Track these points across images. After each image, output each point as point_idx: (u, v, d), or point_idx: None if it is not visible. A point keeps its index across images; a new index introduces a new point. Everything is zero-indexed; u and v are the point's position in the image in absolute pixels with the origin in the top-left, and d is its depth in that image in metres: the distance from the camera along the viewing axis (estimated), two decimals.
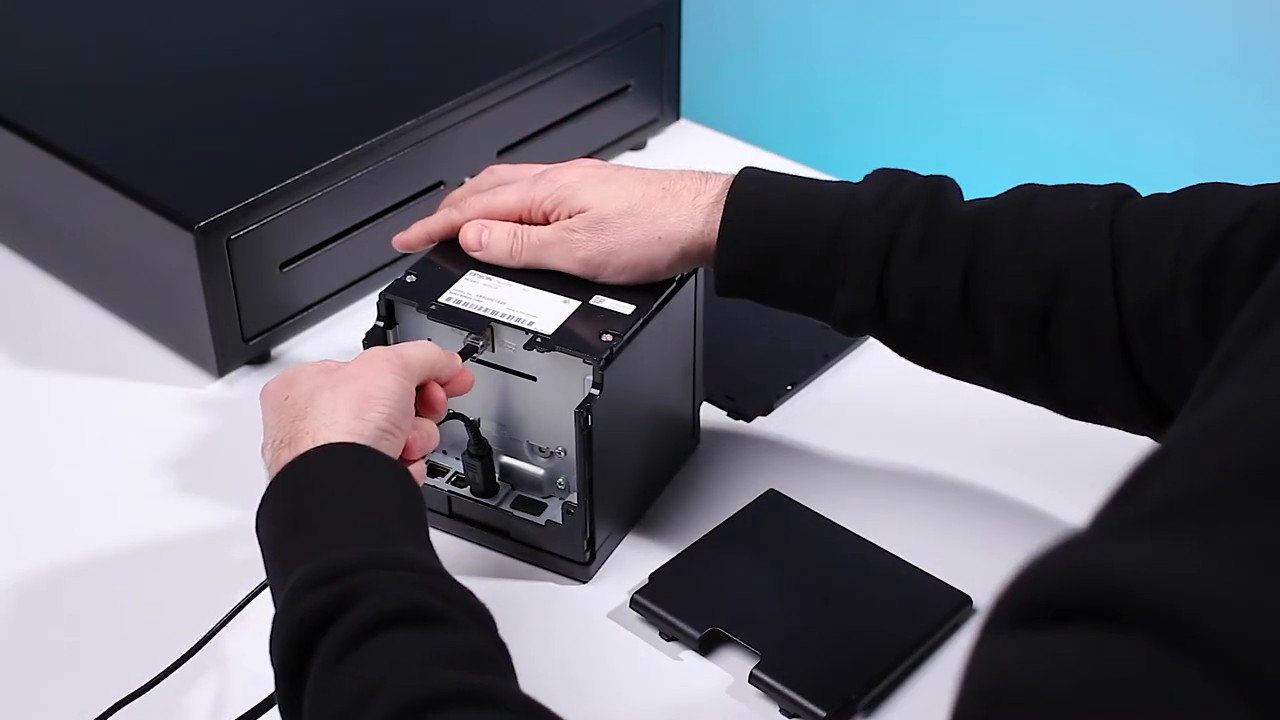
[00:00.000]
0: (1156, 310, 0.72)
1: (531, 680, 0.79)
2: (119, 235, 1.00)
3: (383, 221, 1.03)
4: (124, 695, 0.75)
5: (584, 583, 0.84)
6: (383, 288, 0.84)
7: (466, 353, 0.80)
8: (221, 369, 0.99)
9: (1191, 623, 0.39)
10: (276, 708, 0.64)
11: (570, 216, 0.82)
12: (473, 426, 0.83)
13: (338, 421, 0.70)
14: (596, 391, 0.78)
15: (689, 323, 0.87)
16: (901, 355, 0.82)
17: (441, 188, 1.06)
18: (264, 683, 0.74)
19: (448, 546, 0.86)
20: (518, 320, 0.80)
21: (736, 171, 0.82)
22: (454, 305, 0.82)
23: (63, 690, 0.79)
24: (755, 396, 0.96)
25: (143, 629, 0.82)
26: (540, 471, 0.85)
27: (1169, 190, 0.77)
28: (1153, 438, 0.77)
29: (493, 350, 0.82)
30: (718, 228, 0.80)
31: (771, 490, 0.88)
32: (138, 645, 0.80)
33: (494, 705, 0.58)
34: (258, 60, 1.11)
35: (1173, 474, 0.45)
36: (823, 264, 0.79)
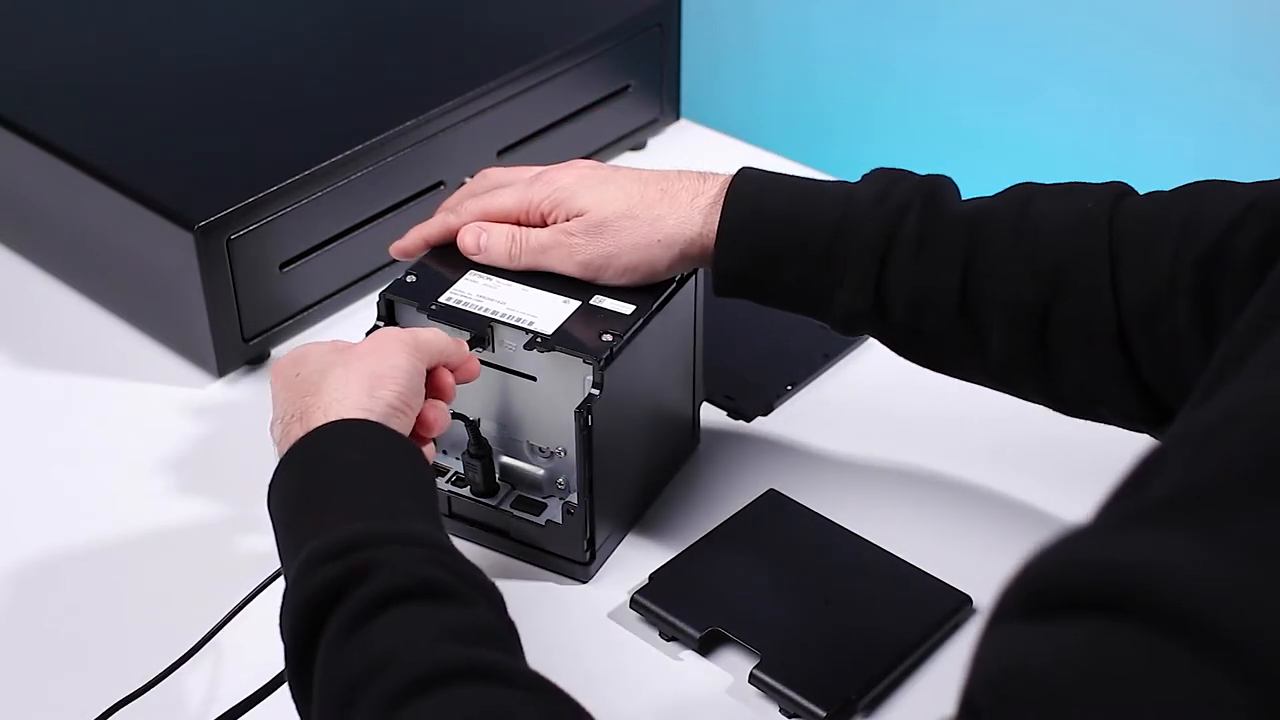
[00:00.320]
0: (1155, 308, 0.72)
1: None
2: (119, 235, 1.00)
3: (383, 221, 1.03)
4: (124, 695, 0.75)
5: (584, 583, 0.84)
6: (383, 288, 0.84)
7: (474, 343, 0.80)
8: (221, 369, 0.99)
9: (1195, 615, 0.39)
10: (286, 684, 0.63)
11: (568, 219, 0.82)
12: (473, 426, 0.83)
13: (349, 397, 0.70)
14: (596, 391, 0.78)
15: (689, 323, 0.87)
16: (901, 355, 0.82)
17: (441, 188, 1.06)
18: (262, 680, 0.74)
19: None
20: (518, 320, 0.80)
21: (734, 172, 0.82)
22: (454, 305, 0.82)
23: (63, 690, 0.79)
24: (755, 396, 0.96)
25: (143, 628, 0.82)
26: (540, 471, 0.85)
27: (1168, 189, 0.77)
28: (1152, 435, 0.77)
29: (493, 350, 0.82)
30: (716, 228, 0.80)
31: (771, 490, 0.88)
32: (138, 645, 0.80)
33: (503, 681, 0.58)
34: (258, 60, 1.11)
35: (1174, 471, 0.45)
36: (821, 264, 0.79)
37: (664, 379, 0.87)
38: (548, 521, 0.83)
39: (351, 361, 0.72)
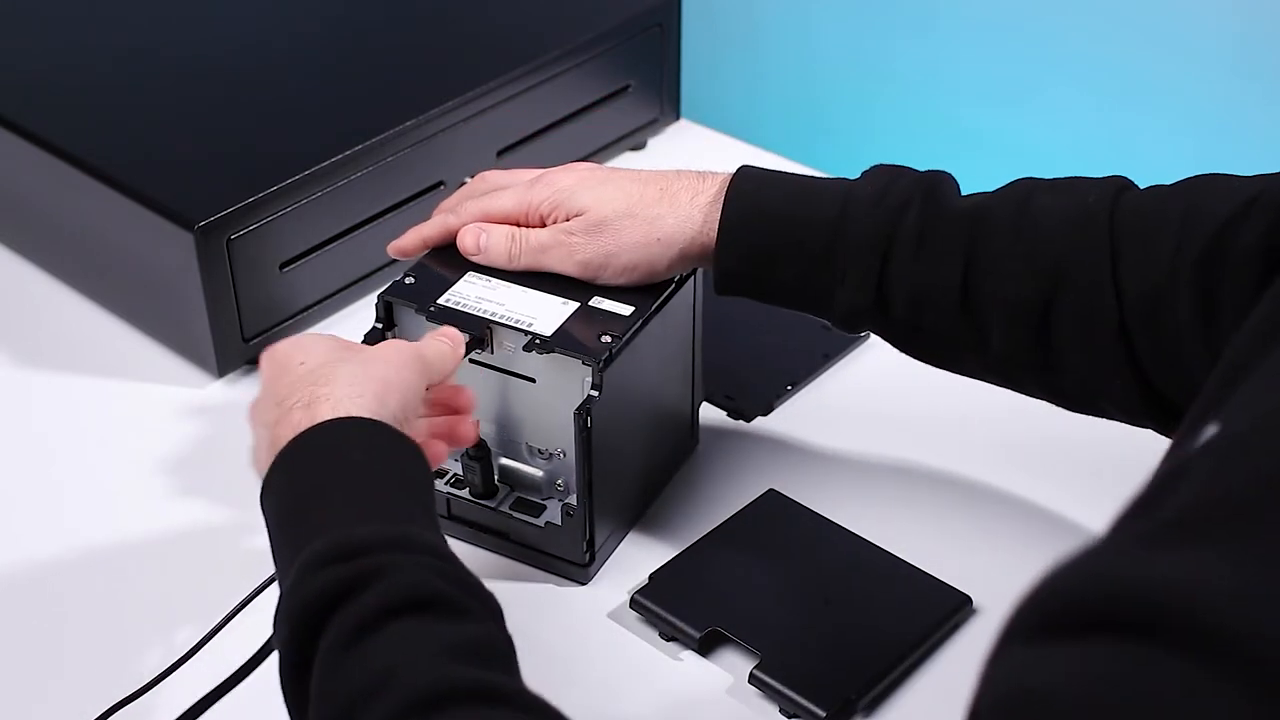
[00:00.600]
0: (1156, 303, 0.72)
1: (532, 680, 0.79)
2: (119, 235, 1.00)
3: (383, 221, 1.03)
4: (124, 695, 0.75)
5: (584, 584, 0.84)
6: (382, 289, 0.84)
7: (473, 344, 0.80)
8: (221, 369, 0.99)
9: (1232, 638, 0.37)
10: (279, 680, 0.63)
11: (568, 219, 0.82)
12: None
13: (363, 397, 0.69)
14: (596, 393, 0.78)
15: (688, 323, 0.87)
16: (903, 351, 0.82)
17: (441, 188, 1.06)
18: (263, 682, 0.74)
19: None
20: (516, 322, 0.80)
21: (734, 170, 0.82)
22: (453, 307, 0.82)
23: (63, 690, 0.79)
24: (755, 396, 0.96)
25: (143, 629, 0.82)
26: (539, 473, 0.85)
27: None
28: (1155, 429, 0.77)
29: (491, 352, 0.82)
30: (716, 227, 0.80)
31: (771, 490, 0.88)
32: (138, 645, 0.80)
33: (503, 703, 0.58)
34: (258, 60, 1.11)
35: (1197, 482, 0.43)
36: (821, 262, 0.79)
37: (663, 380, 0.87)
38: (547, 523, 0.83)
39: (367, 363, 0.72)
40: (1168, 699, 0.38)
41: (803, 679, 0.76)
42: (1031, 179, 0.79)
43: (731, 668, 0.79)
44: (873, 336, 0.99)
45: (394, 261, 1.04)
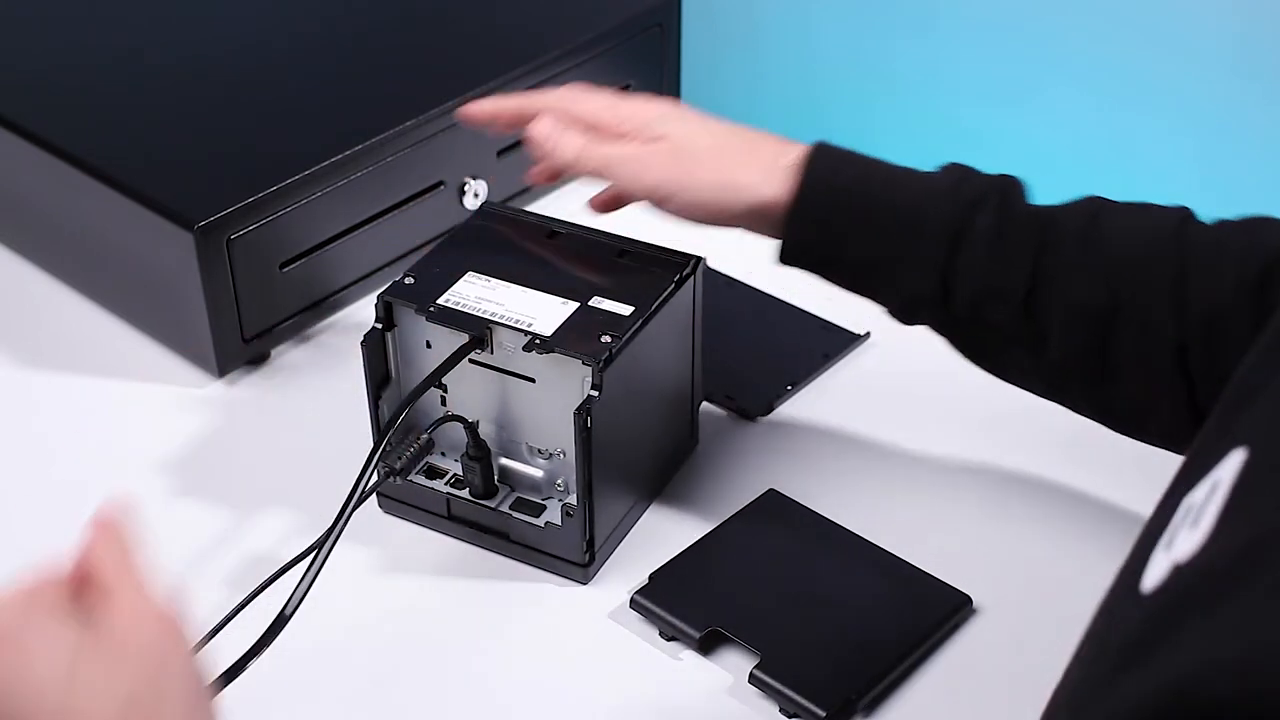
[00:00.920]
0: (1215, 323, 0.73)
1: (532, 681, 0.79)
2: (119, 235, 1.00)
3: (383, 221, 1.03)
4: None
5: (584, 584, 0.84)
6: (382, 289, 0.84)
7: (473, 344, 0.80)
8: (221, 369, 0.99)
9: None
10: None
11: (650, 142, 0.81)
12: (471, 428, 0.83)
13: None
14: (596, 393, 0.78)
15: (688, 323, 0.87)
16: (954, 346, 0.81)
17: (441, 188, 1.06)
18: (263, 682, 0.74)
19: (447, 549, 0.86)
20: (516, 322, 0.80)
21: (813, 143, 0.81)
22: (452, 307, 0.82)
23: None
24: (755, 396, 0.96)
25: None
26: (539, 473, 0.85)
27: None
28: None
29: (491, 352, 0.82)
30: (790, 194, 0.79)
31: (771, 490, 0.88)
32: None
33: None
34: (258, 60, 1.11)
35: None
36: (890, 245, 0.78)
37: (663, 380, 0.87)
38: (547, 523, 0.83)
39: (111, 670, 0.50)
40: None
41: (803, 679, 0.76)
42: (1100, 197, 0.79)
43: (731, 668, 0.79)
44: (873, 336, 0.99)
45: (394, 261, 1.05)
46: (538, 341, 0.79)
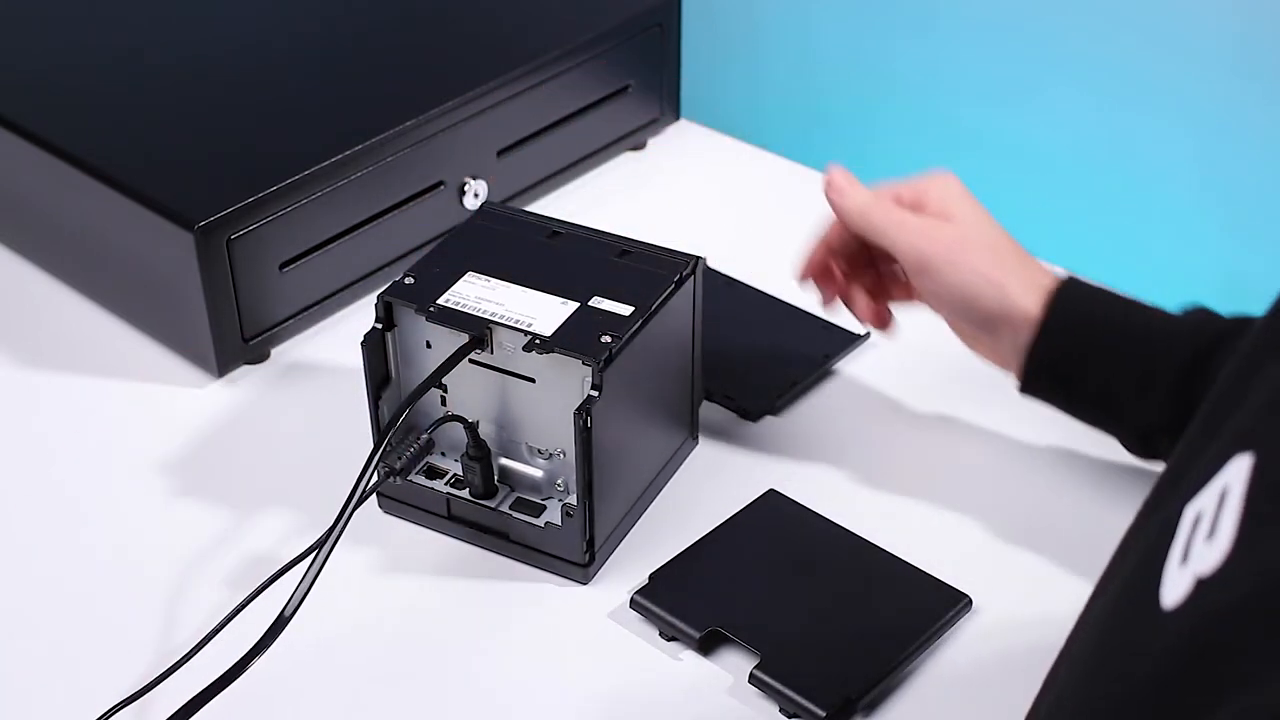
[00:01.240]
0: None
1: (532, 681, 0.79)
2: (119, 235, 1.00)
3: (383, 221, 1.03)
4: (124, 695, 0.75)
5: (584, 584, 0.84)
6: (382, 289, 0.84)
7: (473, 344, 0.80)
8: (221, 369, 0.99)
9: None
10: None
11: (938, 216, 0.84)
12: (471, 428, 0.83)
13: None
14: (596, 393, 0.78)
15: (688, 323, 0.87)
16: None
17: (441, 188, 1.06)
18: (263, 682, 0.74)
19: (447, 548, 0.86)
20: (516, 322, 0.80)
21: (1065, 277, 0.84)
22: (452, 307, 0.82)
23: (62, 690, 0.79)
24: (756, 396, 0.96)
25: (142, 629, 0.82)
26: (539, 473, 0.85)
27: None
28: None
29: (491, 352, 0.82)
30: (1043, 311, 0.82)
31: (771, 490, 0.88)
32: (138, 645, 0.80)
33: None
34: (258, 60, 1.11)
35: None
36: (1131, 375, 0.80)
37: (663, 379, 0.87)
38: (547, 523, 0.83)
39: None
40: None
41: (803, 679, 0.76)
42: None
43: (731, 668, 0.79)
44: (873, 336, 0.99)
45: (394, 261, 1.05)
46: (538, 341, 0.79)
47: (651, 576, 0.82)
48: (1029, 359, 0.83)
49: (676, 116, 1.25)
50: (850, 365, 1.00)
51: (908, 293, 0.90)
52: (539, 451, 0.85)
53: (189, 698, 0.72)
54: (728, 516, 0.86)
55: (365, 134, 1.01)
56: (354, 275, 1.04)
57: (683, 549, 0.84)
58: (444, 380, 0.84)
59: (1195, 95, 1.21)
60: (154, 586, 0.84)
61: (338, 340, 1.02)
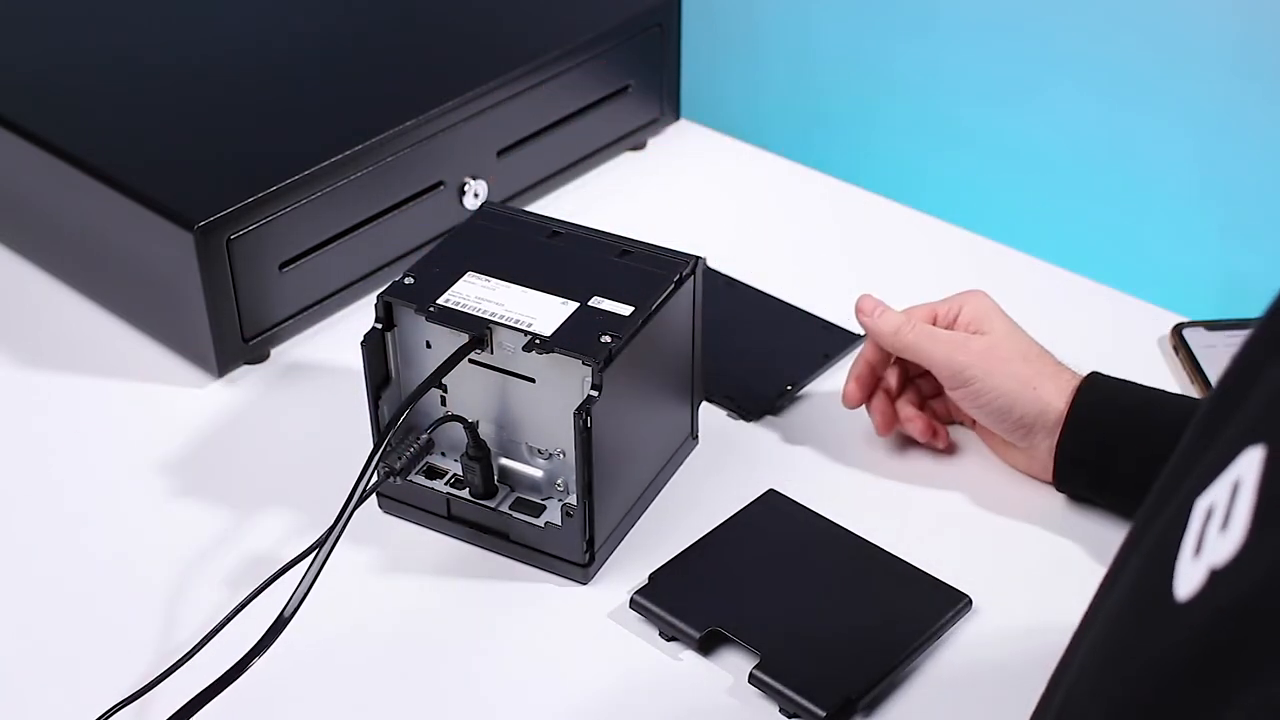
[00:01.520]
0: None
1: (532, 681, 0.79)
2: (119, 235, 1.00)
3: (383, 221, 1.03)
4: (124, 695, 0.75)
5: (584, 584, 0.84)
6: (382, 289, 0.84)
7: (473, 344, 0.80)
8: (221, 369, 0.99)
9: None
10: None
11: (972, 333, 0.87)
12: (471, 428, 0.83)
13: None
14: (595, 393, 0.78)
15: (688, 323, 0.87)
16: None
17: (441, 188, 1.06)
18: (263, 682, 0.74)
19: (447, 548, 0.86)
20: (516, 322, 0.80)
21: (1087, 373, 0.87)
22: (452, 307, 0.82)
23: (62, 690, 0.79)
24: (755, 396, 0.96)
25: (142, 629, 0.82)
26: (539, 473, 0.85)
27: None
28: None
29: (491, 352, 0.82)
30: (1066, 410, 0.85)
31: (771, 490, 0.88)
32: (138, 645, 0.80)
33: None
34: (258, 60, 1.11)
35: None
36: (1160, 461, 0.80)
37: (663, 380, 0.87)
38: (547, 523, 0.83)
39: None
40: None
41: (803, 679, 0.76)
42: None
43: (731, 668, 0.79)
44: None
45: (394, 261, 1.05)
46: (538, 341, 0.79)
47: (651, 576, 0.82)
48: (1059, 453, 0.85)
49: (676, 116, 1.25)
50: (850, 365, 1.00)
51: (946, 413, 0.94)
52: (539, 451, 0.85)
53: (189, 698, 0.72)
54: (728, 516, 0.86)
55: (365, 134, 1.01)
56: (354, 275, 1.04)
57: (683, 549, 0.84)
58: (444, 380, 0.84)
59: (1195, 95, 1.21)
60: (154, 586, 0.84)
61: (338, 340, 1.02)
